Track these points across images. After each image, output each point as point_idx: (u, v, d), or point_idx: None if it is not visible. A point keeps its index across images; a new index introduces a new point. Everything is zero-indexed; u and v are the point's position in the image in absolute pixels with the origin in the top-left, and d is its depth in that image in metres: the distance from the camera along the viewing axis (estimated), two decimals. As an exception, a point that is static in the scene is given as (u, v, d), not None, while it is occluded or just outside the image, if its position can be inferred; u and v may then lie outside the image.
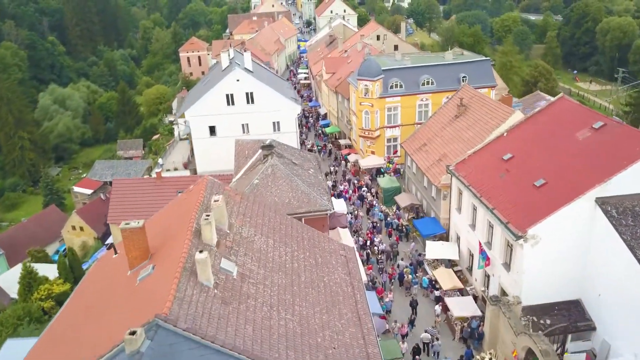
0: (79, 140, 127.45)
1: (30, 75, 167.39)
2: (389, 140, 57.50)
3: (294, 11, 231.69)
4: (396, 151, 57.27)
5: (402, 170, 57.14)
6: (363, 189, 52.98)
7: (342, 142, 66.85)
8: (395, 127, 56.87)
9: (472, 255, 35.90)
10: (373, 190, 52.19)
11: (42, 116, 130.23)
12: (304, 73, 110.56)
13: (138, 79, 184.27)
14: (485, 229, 32.86)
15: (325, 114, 79.84)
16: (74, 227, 74.26)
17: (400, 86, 55.41)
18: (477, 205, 33.52)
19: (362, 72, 54.25)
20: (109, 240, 48.01)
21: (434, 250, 37.33)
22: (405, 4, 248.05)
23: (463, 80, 55.98)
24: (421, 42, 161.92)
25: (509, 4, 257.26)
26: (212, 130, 52.36)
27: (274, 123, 52.58)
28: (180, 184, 43.68)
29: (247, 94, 51.03)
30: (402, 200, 46.63)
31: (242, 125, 52.36)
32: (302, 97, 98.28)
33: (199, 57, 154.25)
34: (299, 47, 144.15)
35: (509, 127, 36.72)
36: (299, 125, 79.87)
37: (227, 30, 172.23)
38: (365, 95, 54.92)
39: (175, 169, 55.81)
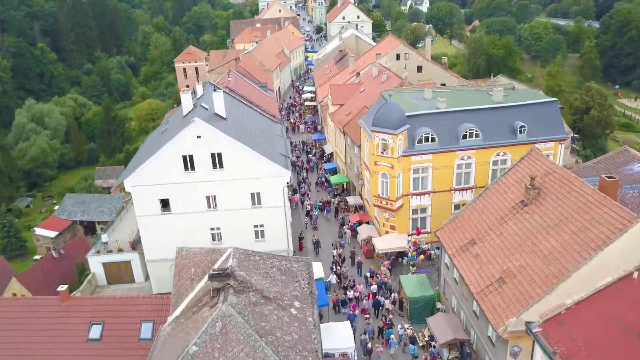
0: (56, 164, 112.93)
1: (16, 85, 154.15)
2: (414, 211, 41.62)
3: (304, 15, 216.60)
4: (419, 230, 41.40)
5: (433, 254, 41.33)
6: (373, 287, 37.18)
7: (350, 200, 50.98)
8: (424, 194, 40.98)
9: None
10: (394, 296, 36.23)
11: (17, 136, 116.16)
12: (310, 92, 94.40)
13: (134, 89, 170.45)
14: None
15: (332, 154, 64.04)
16: (15, 295, 59.31)
17: (433, 140, 39.50)
18: None
19: (378, 122, 38.42)
20: None
21: None
22: (423, 8, 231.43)
23: (521, 131, 39.94)
24: (442, 52, 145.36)
25: (535, 8, 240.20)
26: (165, 204, 36.96)
27: (252, 195, 36.99)
28: (97, 312, 28.18)
29: (212, 155, 35.49)
30: (440, 329, 30.66)
31: (207, 197, 36.87)
32: (305, 123, 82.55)
33: (196, 68, 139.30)
34: (306, 58, 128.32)
35: (640, 261, 20.68)
36: (299, 168, 64.52)
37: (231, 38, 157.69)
38: (382, 153, 39.10)
39: (120, 250, 40.50)
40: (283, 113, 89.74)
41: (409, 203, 41.13)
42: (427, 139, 39.49)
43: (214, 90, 37.89)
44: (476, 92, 46.56)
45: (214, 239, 38.07)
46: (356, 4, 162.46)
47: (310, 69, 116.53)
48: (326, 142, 68.34)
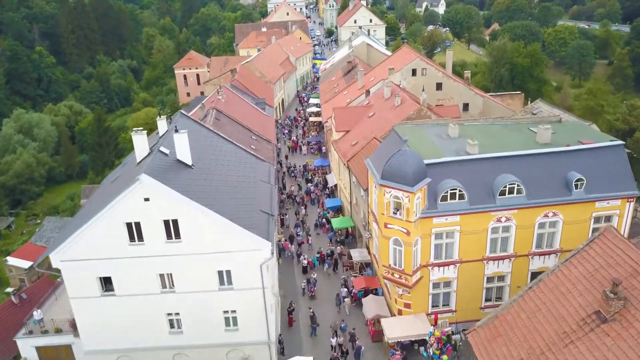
0: (43, 179, 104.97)
1: (11, 91, 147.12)
2: (436, 285, 32.30)
3: (315, 18, 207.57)
4: (436, 318, 32.00)
5: (459, 341, 31.97)
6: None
7: (355, 255, 41.52)
8: (448, 264, 31.64)
9: None
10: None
11: (4, 147, 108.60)
12: (316, 104, 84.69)
13: (135, 95, 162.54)
14: None
15: (335, 186, 54.86)
16: (-36, 350, 50.87)
17: (461, 196, 30.13)
18: None
19: (390, 174, 29.15)
20: None
21: None
22: (440, 10, 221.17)
23: (577, 185, 30.43)
24: (461, 60, 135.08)
25: (558, 10, 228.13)
26: (107, 283, 28.09)
27: (219, 273, 27.94)
28: None
29: (166, 222, 26.52)
30: None
31: (161, 276, 27.92)
32: (308, 143, 73.13)
33: (197, 75, 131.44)
34: (314, 66, 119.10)
35: None
36: (299, 201, 55.39)
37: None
38: (395, 214, 29.83)
39: (58, 331, 31.80)
40: (285, 131, 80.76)
41: (428, 275, 31.81)
42: (453, 196, 30.13)
43: (175, 130, 28.89)
44: (513, 126, 37.02)
45: (172, 326, 29.13)
46: (368, 7, 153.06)
47: (318, 77, 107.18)
48: (330, 171, 59.11)
